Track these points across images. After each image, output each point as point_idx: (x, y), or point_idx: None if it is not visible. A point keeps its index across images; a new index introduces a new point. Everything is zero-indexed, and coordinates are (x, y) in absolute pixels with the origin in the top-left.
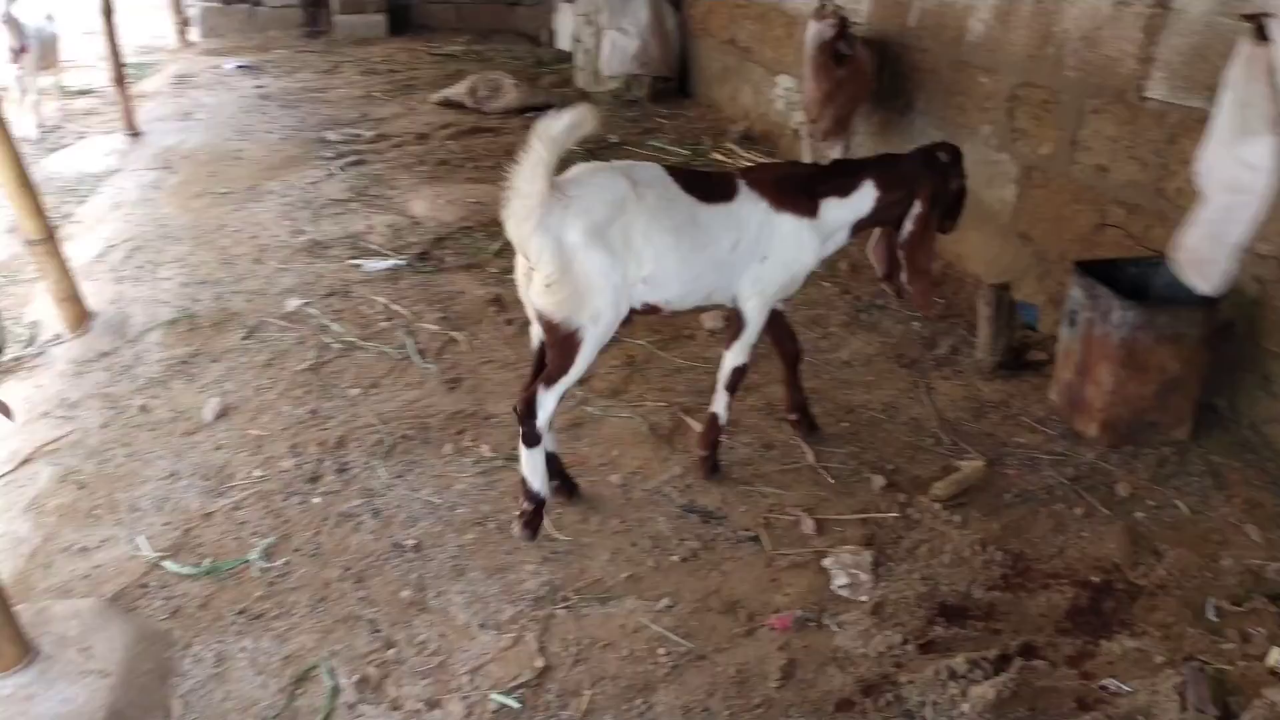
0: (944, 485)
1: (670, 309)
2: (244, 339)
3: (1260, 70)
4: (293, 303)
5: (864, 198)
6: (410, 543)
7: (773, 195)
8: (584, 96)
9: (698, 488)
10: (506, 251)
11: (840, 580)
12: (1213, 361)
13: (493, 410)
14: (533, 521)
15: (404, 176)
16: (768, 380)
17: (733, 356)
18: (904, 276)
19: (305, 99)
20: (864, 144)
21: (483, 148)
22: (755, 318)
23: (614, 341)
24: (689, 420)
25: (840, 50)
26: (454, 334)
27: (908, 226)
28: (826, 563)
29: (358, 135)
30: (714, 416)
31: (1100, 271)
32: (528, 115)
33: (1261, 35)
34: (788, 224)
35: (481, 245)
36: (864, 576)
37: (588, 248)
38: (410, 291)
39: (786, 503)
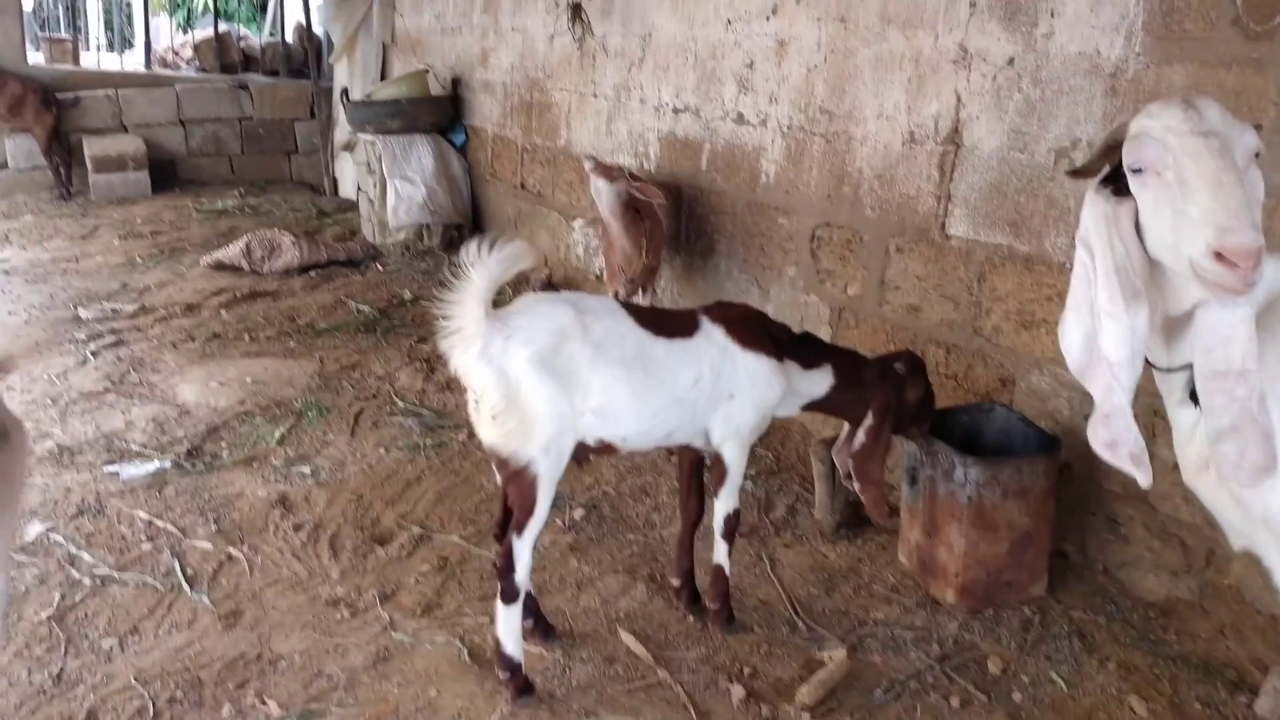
0: (810, 689)
1: (628, 447)
2: None
3: (1127, 228)
4: (33, 529)
5: (821, 379)
6: None
7: (740, 333)
8: (372, 249)
9: None
10: (292, 438)
11: None
12: (1058, 507)
13: (280, 649)
14: (522, 687)
15: (170, 357)
16: (601, 572)
17: (722, 504)
18: (855, 485)
19: (56, 271)
20: (669, 287)
21: (261, 315)
22: (736, 460)
23: (423, 540)
24: (625, 637)
25: (638, 203)
26: (231, 550)
27: (859, 437)
28: None
29: (117, 310)
30: (718, 569)
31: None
32: (311, 274)
33: (1116, 189)
34: (754, 362)
35: (263, 433)
36: None
37: (532, 377)
38: (178, 500)
39: None
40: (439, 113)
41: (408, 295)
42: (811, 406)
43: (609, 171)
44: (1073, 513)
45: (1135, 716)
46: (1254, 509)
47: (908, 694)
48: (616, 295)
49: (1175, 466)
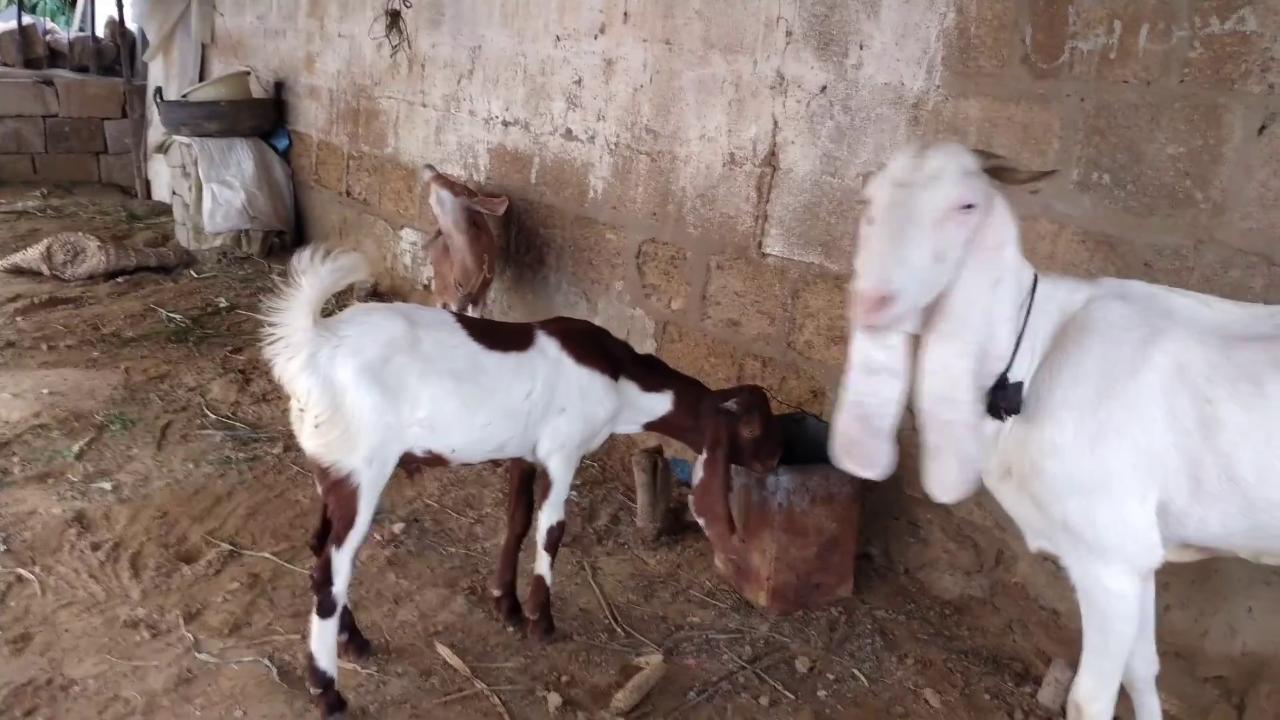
0: (625, 695)
1: (458, 459)
2: None
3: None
4: None
5: (660, 403)
6: None
7: (573, 348)
8: (187, 255)
9: None
10: (92, 453)
11: None
12: (863, 513)
13: (74, 674)
14: (334, 703)
15: None
16: (420, 585)
17: (546, 516)
18: (700, 523)
19: None
20: (499, 299)
21: (61, 323)
22: (561, 474)
23: (233, 557)
24: (442, 650)
25: (476, 216)
26: (21, 571)
27: (697, 472)
28: None
29: None
30: (539, 579)
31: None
32: (118, 281)
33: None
34: (587, 378)
35: (59, 447)
36: None
37: (358, 386)
38: None
39: None
40: (260, 116)
41: (224, 303)
42: (652, 426)
43: (452, 184)
44: (877, 518)
45: (930, 708)
46: (1054, 514)
47: (720, 695)
48: (446, 307)
49: None
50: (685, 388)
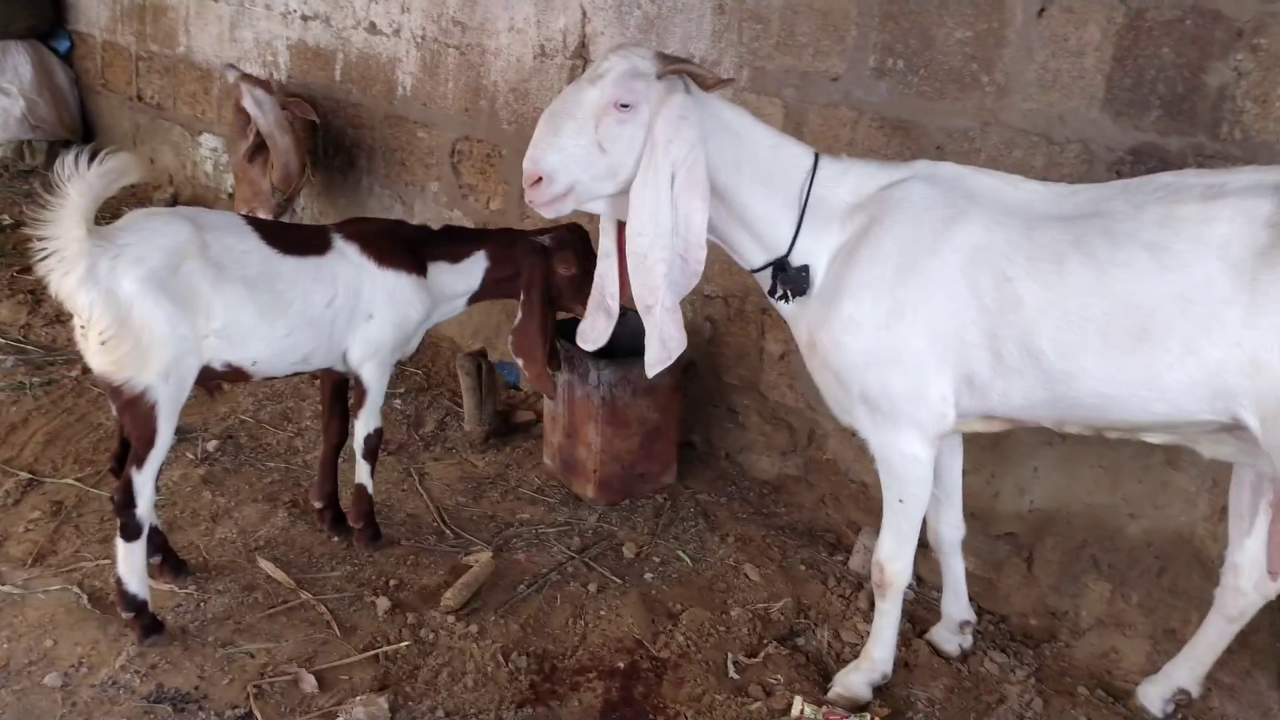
0: (454, 593)
1: (260, 372)
2: None
3: None
4: None
5: (474, 268)
6: None
7: (375, 250)
8: None
9: (164, 665)
10: None
11: None
12: (684, 402)
13: None
14: (149, 625)
15: None
16: (239, 502)
17: (363, 424)
18: (520, 364)
19: None
20: (309, 206)
21: None
22: (375, 380)
23: (33, 485)
24: (264, 564)
25: (291, 117)
26: None
27: (518, 314)
28: None
29: None
30: (361, 487)
31: (567, 329)
32: None
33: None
34: (393, 280)
35: None
36: None
37: (145, 297)
38: None
39: (280, 658)
40: (35, 15)
41: (7, 220)
42: (476, 298)
43: (264, 83)
44: (698, 406)
45: (749, 582)
46: (852, 387)
47: (549, 585)
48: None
49: (781, 357)
50: (495, 239)
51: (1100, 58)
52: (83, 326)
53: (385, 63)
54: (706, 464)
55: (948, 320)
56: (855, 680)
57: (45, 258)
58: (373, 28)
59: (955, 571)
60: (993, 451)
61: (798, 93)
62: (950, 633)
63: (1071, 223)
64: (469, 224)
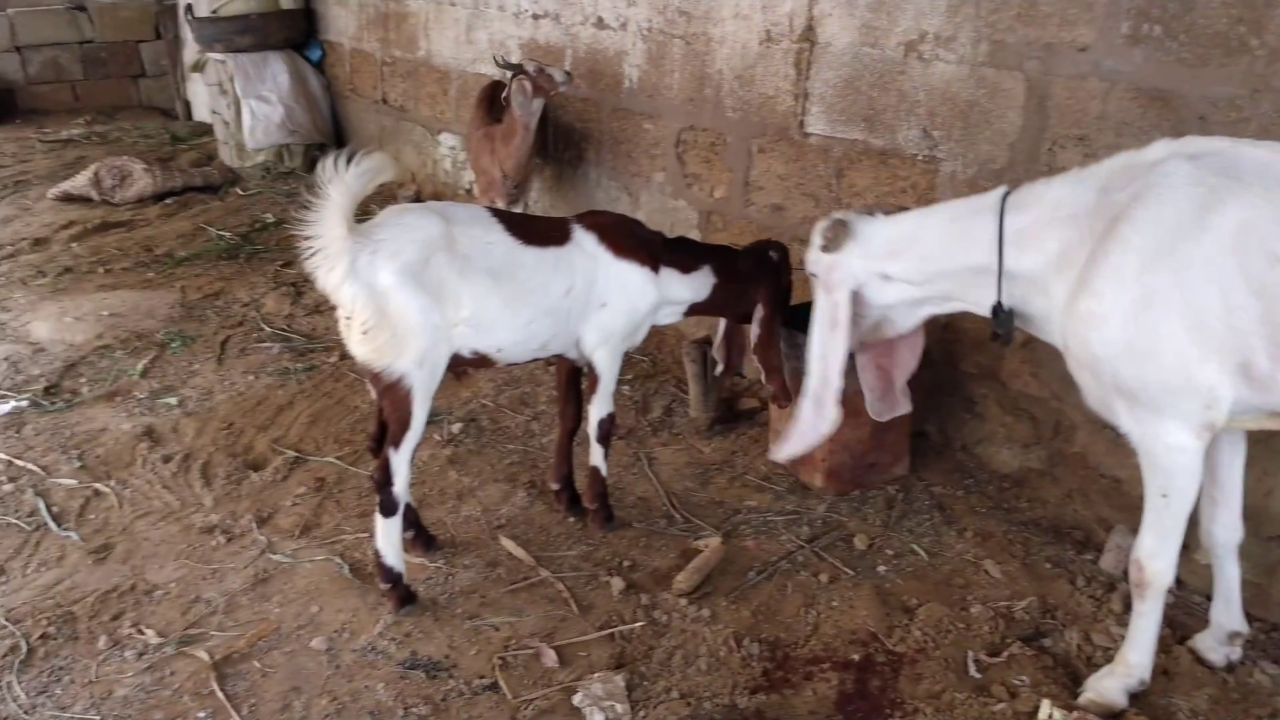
0: (685, 576)
1: (504, 359)
2: None
3: None
4: None
5: (703, 281)
6: None
7: (611, 241)
8: (231, 173)
9: (417, 633)
10: (156, 370)
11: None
12: (918, 391)
13: (155, 579)
14: (404, 596)
15: (20, 294)
16: (481, 482)
17: (596, 409)
18: (762, 378)
19: None
20: (539, 199)
21: (115, 246)
22: (608, 367)
23: (298, 463)
24: (505, 542)
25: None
26: (97, 486)
27: (755, 330)
28: (578, 700)
29: None
30: (595, 470)
31: (797, 316)
32: (166, 202)
33: None
34: (627, 271)
35: (124, 366)
36: (620, 708)
37: (401, 289)
38: (38, 439)
39: (522, 633)
40: (292, 27)
41: (270, 219)
42: (695, 310)
43: (543, 88)
44: (932, 395)
45: (990, 578)
46: (1105, 379)
47: (779, 574)
48: (493, 203)
49: (1024, 343)
50: (720, 257)
51: None
52: (347, 318)
53: (612, 56)
54: (941, 455)
55: (1211, 306)
56: (1110, 686)
57: (311, 255)
58: (600, 23)
59: (1229, 577)
60: (1264, 446)
61: (1041, 65)
62: (1218, 643)
63: None
64: (693, 212)
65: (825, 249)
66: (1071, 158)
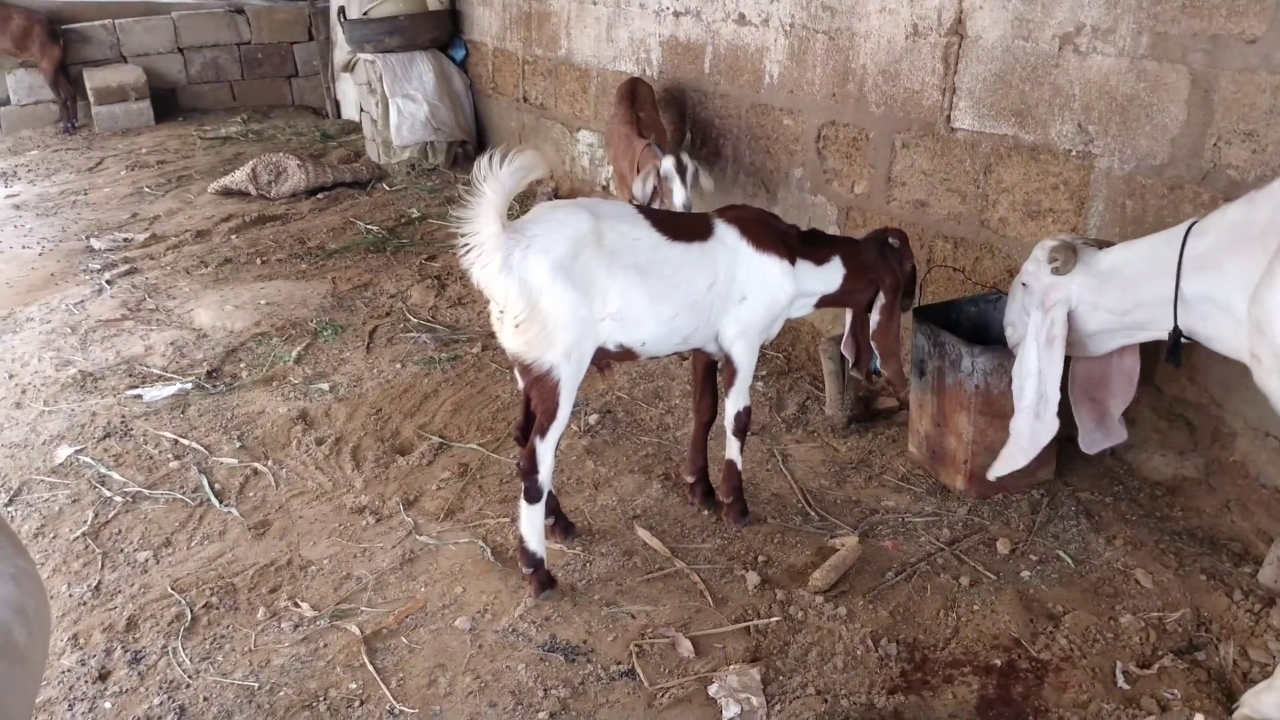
0: (822, 574)
1: (647, 353)
2: (5, 505)
3: None
4: (63, 452)
5: (834, 273)
6: None
7: (753, 235)
8: (378, 169)
9: (556, 617)
10: (309, 357)
11: (731, 712)
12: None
13: (310, 555)
14: (545, 581)
15: (184, 283)
16: (617, 472)
17: (733, 402)
18: (879, 364)
19: (65, 204)
20: None
21: (271, 239)
22: (745, 359)
23: (443, 449)
24: (641, 532)
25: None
26: (256, 465)
27: (876, 317)
28: (713, 691)
29: (128, 239)
30: (731, 464)
31: (939, 314)
32: (318, 197)
33: None
34: (768, 264)
35: (280, 353)
36: (756, 701)
37: (552, 284)
38: (201, 420)
39: (658, 621)
40: (437, 28)
41: (415, 214)
42: (825, 301)
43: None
44: None
45: (1141, 589)
46: None
47: (918, 575)
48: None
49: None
50: (846, 248)
51: None
52: (500, 312)
53: (753, 52)
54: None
55: None
56: (1268, 702)
57: (467, 251)
58: (741, 19)
59: None
60: None
61: (1206, 58)
62: None
63: None
64: (833, 208)
65: (1056, 271)
66: (1238, 154)
